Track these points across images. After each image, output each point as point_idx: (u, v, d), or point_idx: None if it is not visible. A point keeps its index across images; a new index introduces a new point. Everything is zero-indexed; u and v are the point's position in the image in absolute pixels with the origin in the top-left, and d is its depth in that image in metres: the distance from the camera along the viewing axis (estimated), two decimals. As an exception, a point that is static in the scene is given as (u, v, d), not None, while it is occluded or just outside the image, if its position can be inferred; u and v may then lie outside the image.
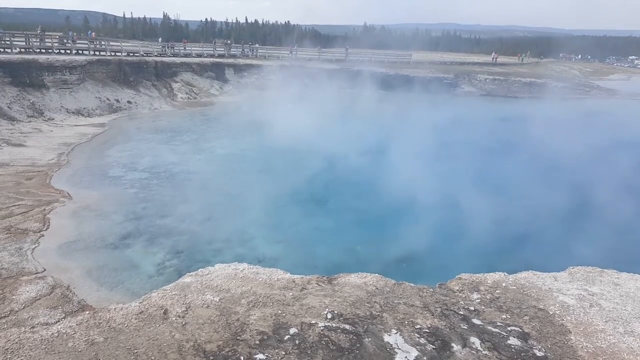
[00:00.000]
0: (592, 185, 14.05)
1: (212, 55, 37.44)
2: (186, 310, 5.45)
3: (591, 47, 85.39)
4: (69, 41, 29.46)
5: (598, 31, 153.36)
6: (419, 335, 5.03)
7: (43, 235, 8.95)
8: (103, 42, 31.99)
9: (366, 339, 4.95)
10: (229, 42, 47.88)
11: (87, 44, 30.47)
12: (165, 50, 36.09)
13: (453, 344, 4.90)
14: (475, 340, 4.97)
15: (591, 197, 13.03)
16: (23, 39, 27.15)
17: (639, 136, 23.67)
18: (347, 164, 16.06)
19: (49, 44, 27.26)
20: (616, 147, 19.84)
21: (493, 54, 57.63)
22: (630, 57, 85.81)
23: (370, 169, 16.05)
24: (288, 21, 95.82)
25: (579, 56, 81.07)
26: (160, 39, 49.18)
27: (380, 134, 21.86)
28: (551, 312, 5.52)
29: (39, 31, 29.39)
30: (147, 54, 32.81)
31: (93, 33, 43.87)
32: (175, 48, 37.13)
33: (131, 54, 31.32)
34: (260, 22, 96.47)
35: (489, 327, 5.22)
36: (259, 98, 33.20)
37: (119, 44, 33.34)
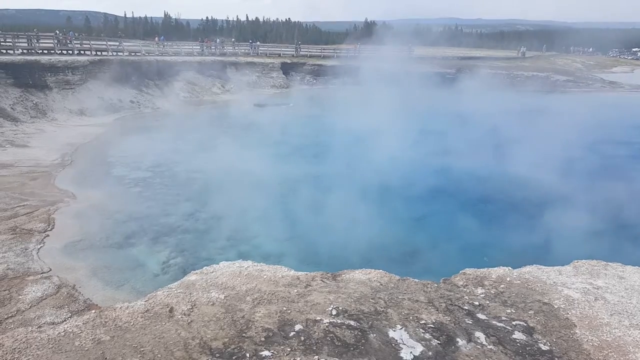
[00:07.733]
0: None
1: (213, 54, 37.53)
2: (192, 308, 5.48)
3: (594, 40, 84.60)
4: (71, 41, 29.51)
5: (600, 23, 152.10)
6: (423, 331, 5.03)
7: (48, 235, 8.99)
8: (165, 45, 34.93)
9: (371, 334, 4.96)
10: (226, 40, 47.99)
11: (88, 44, 30.48)
12: (203, 50, 37.67)
13: (458, 339, 4.91)
14: (480, 335, 4.97)
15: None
16: (25, 40, 27.25)
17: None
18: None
19: (51, 45, 27.31)
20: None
21: (521, 48, 56.14)
22: (633, 49, 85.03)
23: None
24: (289, 18, 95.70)
25: (590, 49, 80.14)
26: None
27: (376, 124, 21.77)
28: (556, 306, 5.51)
29: (34, 32, 29.55)
30: (148, 53, 32.86)
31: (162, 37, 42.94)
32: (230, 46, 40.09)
33: (133, 54, 31.36)
34: (261, 19, 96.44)
35: (494, 322, 5.22)
36: (261, 96, 33.20)
37: (186, 46, 37.57)
